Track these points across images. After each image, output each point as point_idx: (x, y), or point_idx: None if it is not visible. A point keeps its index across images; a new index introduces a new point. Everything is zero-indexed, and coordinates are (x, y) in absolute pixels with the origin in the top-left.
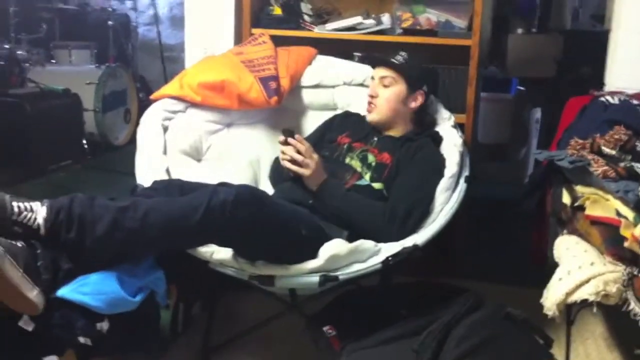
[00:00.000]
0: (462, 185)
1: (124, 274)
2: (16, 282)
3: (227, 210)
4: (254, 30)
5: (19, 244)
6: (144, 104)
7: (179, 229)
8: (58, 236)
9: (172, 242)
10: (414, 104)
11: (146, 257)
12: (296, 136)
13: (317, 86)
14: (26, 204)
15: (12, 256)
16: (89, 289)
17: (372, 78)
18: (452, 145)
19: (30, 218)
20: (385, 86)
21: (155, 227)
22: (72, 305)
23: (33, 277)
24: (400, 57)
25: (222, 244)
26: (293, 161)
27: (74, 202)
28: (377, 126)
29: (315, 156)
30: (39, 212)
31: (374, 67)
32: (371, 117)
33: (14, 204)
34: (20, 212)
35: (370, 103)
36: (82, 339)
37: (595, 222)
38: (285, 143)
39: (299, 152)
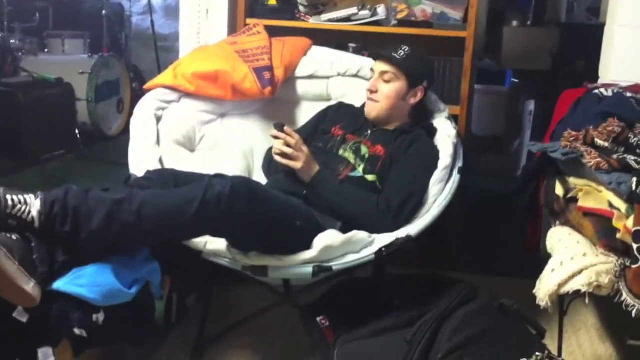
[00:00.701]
0: (455, 176)
1: (120, 266)
2: (12, 275)
3: (223, 203)
4: (248, 21)
5: (14, 237)
6: (137, 94)
7: (174, 221)
8: (52, 229)
9: (167, 234)
10: (413, 100)
11: (141, 249)
12: (285, 129)
13: (311, 77)
14: (20, 196)
15: (7, 249)
16: (85, 281)
17: (372, 70)
18: (445, 136)
19: (24, 211)
20: (385, 81)
21: (150, 220)
22: (67, 297)
23: (29, 270)
24: (402, 52)
25: (216, 235)
26: (284, 155)
27: (69, 194)
28: (374, 121)
29: (305, 148)
30: (33, 204)
31: (375, 59)
32: (369, 114)
33: (8, 196)
34: (14, 205)
35: (369, 98)
36: (77, 331)
37: (587, 213)
38: (277, 138)
39: (289, 145)
